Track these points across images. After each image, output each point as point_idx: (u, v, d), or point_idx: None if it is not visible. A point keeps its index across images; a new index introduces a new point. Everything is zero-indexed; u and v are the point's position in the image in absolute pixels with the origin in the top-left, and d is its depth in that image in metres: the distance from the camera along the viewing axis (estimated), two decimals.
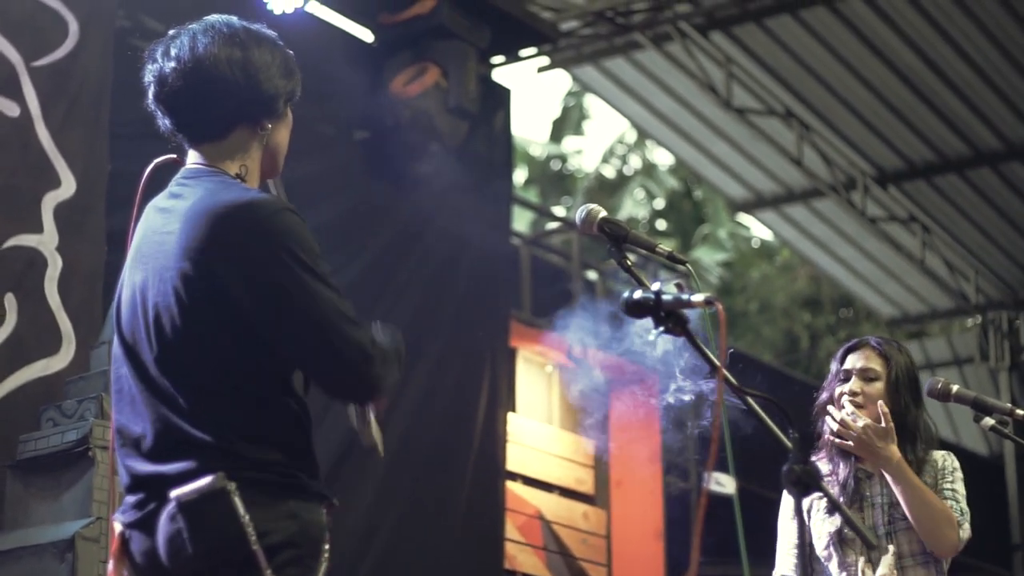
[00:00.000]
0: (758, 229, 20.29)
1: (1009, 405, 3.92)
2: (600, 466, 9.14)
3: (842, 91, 10.42)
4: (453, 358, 7.77)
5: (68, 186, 5.63)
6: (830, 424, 3.86)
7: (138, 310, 2.69)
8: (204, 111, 2.76)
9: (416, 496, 7.45)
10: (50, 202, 5.55)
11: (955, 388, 3.95)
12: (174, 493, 2.55)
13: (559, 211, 18.68)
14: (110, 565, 2.69)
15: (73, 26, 5.76)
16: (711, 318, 2.68)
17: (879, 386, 3.88)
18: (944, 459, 3.90)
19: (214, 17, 2.81)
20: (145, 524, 2.62)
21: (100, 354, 4.90)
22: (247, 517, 2.51)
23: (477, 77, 7.81)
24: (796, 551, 3.87)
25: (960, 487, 3.85)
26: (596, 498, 9.09)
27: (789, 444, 2.57)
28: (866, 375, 3.90)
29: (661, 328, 2.62)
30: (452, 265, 7.88)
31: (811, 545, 3.88)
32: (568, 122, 21.39)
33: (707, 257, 19.84)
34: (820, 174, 11.05)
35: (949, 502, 3.80)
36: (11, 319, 5.34)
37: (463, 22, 7.67)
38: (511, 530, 8.26)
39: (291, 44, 2.90)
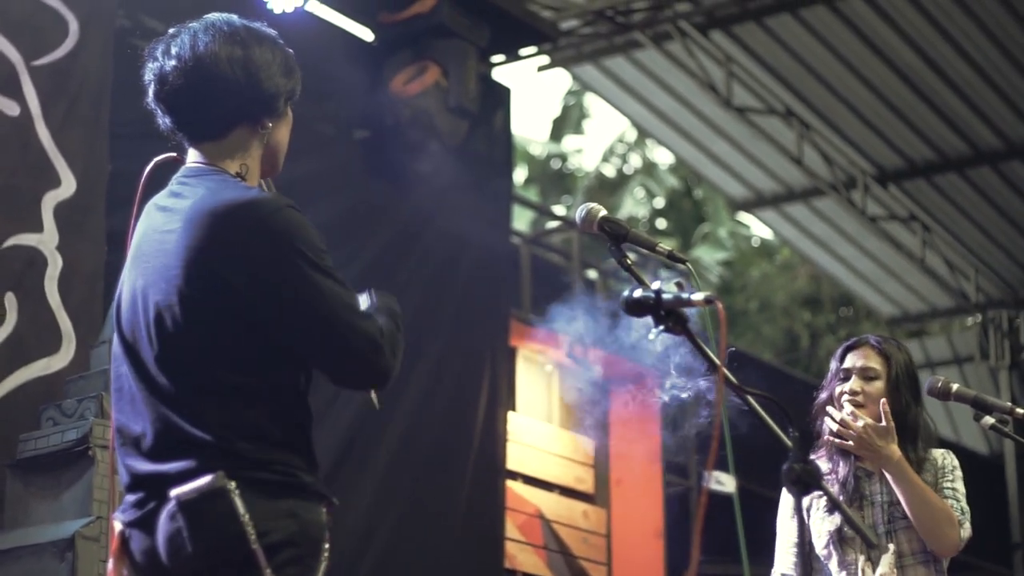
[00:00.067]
0: (758, 228, 20.31)
1: (1009, 404, 3.91)
2: (600, 465, 9.15)
3: (842, 90, 10.42)
4: (453, 357, 7.78)
5: (68, 185, 5.63)
6: (830, 424, 3.86)
7: (138, 309, 2.69)
8: (205, 110, 2.76)
9: (416, 495, 7.46)
10: (50, 201, 5.56)
11: (955, 387, 3.94)
12: (174, 492, 2.55)
13: (559, 210, 18.68)
14: (110, 564, 2.69)
15: (73, 25, 5.77)
16: (711, 317, 2.68)
17: (879, 385, 3.88)
18: (944, 457, 3.90)
19: (214, 16, 2.81)
20: (145, 523, 2.62)
21: (100, 353, 4.90)
22: (247, 516, 2.51)
23: (477, 76, 7.82)
24: (795, 549, 3.87)
25: (960, 486, 3.85)
26: (596, 497, 9.09)
27: (789, 443, 2.57)
28: (866, 374, 3.89)
29: (661, 327, 2.62)
30: (452, 264, 7.88)
31: (810, 544, 3.88)
32: (568, 121, 21.39)
33: (707, 256, 19.84)
34: (820, 173, 11.05)
35: (949, 501, 3.80)
36: (11, 318, 5.35)
37: (463, 21, 7.68)
38: (511, 529, 8.26)
39: (291, 43, 2.90)
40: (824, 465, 3.91)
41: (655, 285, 2.64)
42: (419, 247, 7.73)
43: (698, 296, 2.60)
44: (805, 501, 3.82)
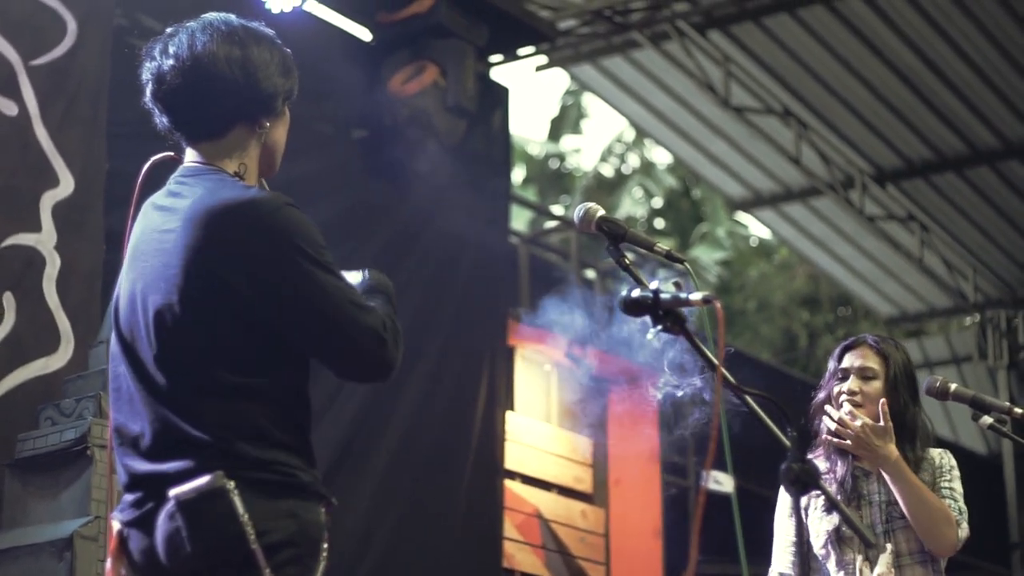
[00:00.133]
0: (756, 228, 20.31)
1: (1007, 403, 3.92)
2: (598, 465, 9.14)
3: (840, 90, 10.42)
4: (452, 357, 7.78)
5: (66, 185, 5.63)
6: (828, 423, 3.86)
7: (137, 309, 2.69)
8: (202, 109, 2.76)
9: (415, 495, 7.46)
10: (48, 201, 5.55)
11: (953, 387, 3.95)
12: (173, 492, 2.55)
13: (557, 210, 18.68)
14: (108, 564, 2.69)
15: (71, 25, 5.76)
16: (709, 316, 2.68)
17: (877, 385, 3.88)
18: (941, 457, 3.90)
19: (212, 15, 2.81)
20: (144, 523, 2.62)
21: (98, 353, 4.90)
22: (246, 516, 2.51)
23: (475, 76, 7.82)
24: (793, 549, 3.87)
25: (958, 485, 3.85)
26: (594, 497, 9.09)
27: (787, 442, 2.57)
28: (864, 374, 3.89)
29: (659, 327, 2.62)
30: (451, 264, 7.88)
31: (808, 543, 3.88)
32: (566, 121, 21.39)
33: (705, 256, 19.84)
34: (818, 173, 11.06)
35: (947, 501, 3.79)
36: (10, 318, 5.34)
37: (461, 21, 7.68)
38: (510, 529, 8.26)
39: (289, 43, 2.90)
40: (822, 464, 3.91)
41: (653, 285, 2.64)
42: (418, 247, 7.73)
43: (696, 296, 2.60)
44: (803, 500, 3.82)
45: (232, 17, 2.82)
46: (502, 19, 8.00)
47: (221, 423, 2.58)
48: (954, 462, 3.91)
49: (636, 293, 2.64)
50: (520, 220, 16.42)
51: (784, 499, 3.92)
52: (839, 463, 3.89)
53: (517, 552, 8.32)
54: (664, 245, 3.01)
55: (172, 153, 2.86)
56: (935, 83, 10.21)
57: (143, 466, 2.63)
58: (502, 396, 8.21)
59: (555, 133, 21.57)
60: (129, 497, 2.66)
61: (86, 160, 5.72)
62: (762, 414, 2.65)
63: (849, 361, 3.93)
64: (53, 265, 5.51)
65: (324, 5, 7.60)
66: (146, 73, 2.79)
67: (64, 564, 4.45)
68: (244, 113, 2.78)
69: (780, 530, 3.93)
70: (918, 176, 11.43)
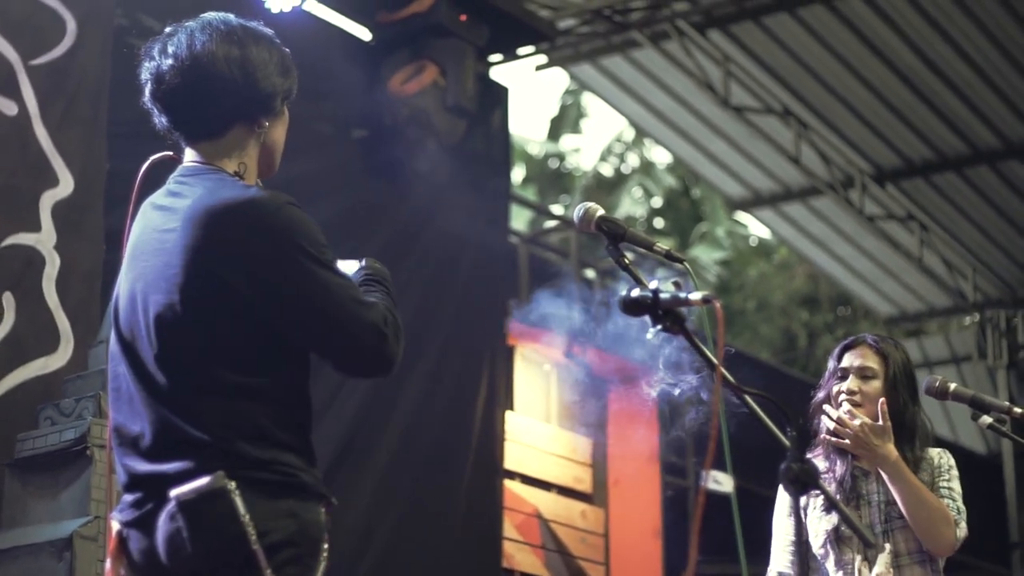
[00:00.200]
0: (756, 227, 20.32)
1: (1007, 403, 3.91)
2: (598, 465, 9.14)
3: (840, 89, 10.42)
4: (452, 357, 7.78)
5: (66, 185, 5.63)
6: (827, 422, 3.86)
7: (137, 308, 2.68)
8: (202, 109, 2.76)
9: (415, 495, 7.46)
10: (48, 201, 5.55)
11: (953, 386, 3.94)
12: (174, 492, 2.55)
13: (557, 209, 18.69)
14: (107, 564, 2.69)
15: (71, 25, 5.76)
16: (709, 316, 2.68)
17: (876, 384, 3.88)
18: (940, 457, 3.90)
19: (211, 15, 2.81)
20: (143, 523, 2.62)
21: (98, 353, 4.90)
22: (247, 517, 2.51)
23: (475, 75, 7.82)
24: (792, 548, 3.87)
25: (956, 485, 3.85)
26: (594, 497, 9.09)
27: (787, 442, 2.57)
28: (863, 373, 3.89)
29: (659, 326, 2.62)
30: (451, 264, 7.89)
31: (807, 543, 3.88)
32: (566, 120, 21.39)
33: (705, 255, 19.84)
34: (818, 172, 11.06)
35: (945, 500, 3.79)
36: (9, 318, 5.34)
37: (461, 20, 7.68)
38: (509, 529, 8.26)
39: (289, 43, 2.90)
40: (821, 464, 3.91)
41: (653, 284, 2.64)
42: (418, 246, 7.73)
43: (696, 295, 2.60)
44: (802, 500, 3.82)
45: (231, 17, 2.82)
46: (502, 19, 8.00)
47: (222, 423, 2.58)
48: (953, 462, 3.91)
49: (636, 293, 2.64)
50: (520, 220, 16.42)
51: (783, 498, 3.92)
52: (838, 462, 3.89)
53: (517, 552, 8.32)
54: (663, 245, 3.01)
55: (171, 153, 2.86)
56: (935, 83, 10.20)
57: (143, 466, 2.63)
58: (502, 396, 8.21)
59: (555, 133, 21.58)
60: (129, 497, 2.66)
61: (86, 160, 5.72)
62: (762, 414, 2.65)
63: (848, 360, 3.93)
64: (53, 265, 5.51)
65: (324, 5, 7.61)
66: (145, 73, 2.79)
67: (64, 564, 4.45)
68: (243, 113, 2.78)
69: (779, 529, 3.93)
70: (918, 176, 11.43)
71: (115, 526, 2.69)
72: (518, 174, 20.89)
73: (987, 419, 3.90)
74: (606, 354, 8.36)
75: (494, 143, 8.52)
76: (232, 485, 2.52)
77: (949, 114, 10.59)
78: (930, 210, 11.86)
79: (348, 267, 2.83)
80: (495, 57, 8.67)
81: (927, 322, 14.97)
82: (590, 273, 10.62)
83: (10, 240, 5.42)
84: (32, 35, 5.64)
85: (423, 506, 7.50)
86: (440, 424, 7.67)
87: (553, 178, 21.67)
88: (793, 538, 3.87)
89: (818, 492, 2.64)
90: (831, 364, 3.97)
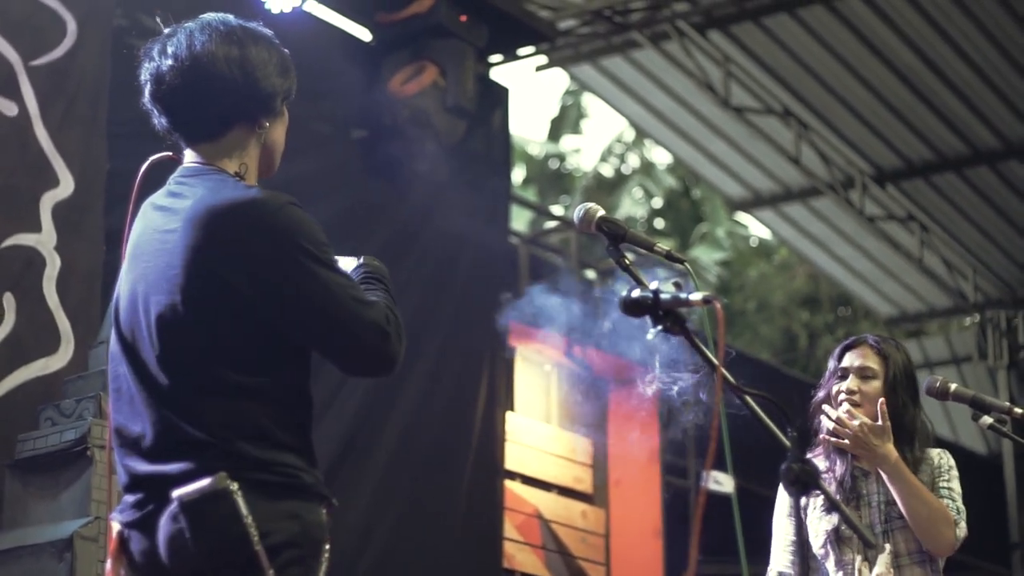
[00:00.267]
0: (756, 228, 20.31)
1: (1007, 403, 3.91)
2: (598, 465, 9.15)
3: (840, 90, 10.42)
4: (452, 357, 7.78)
5: (66, 185, 5.63)
6: (826, 423, 3.86)
7: (138, 309, 2.68)
8: (202, 109, 2.76)
9: (415, 495, 7.46)
10: (48, 201, 5.55)
11: (953, 387, 3.95)
12: (176, 493, 2.55)
13: (557, 210, 18.67)
14: (108, 564, 2.69)
15: (71, 25, 5.77)
16: (709, 317, 2.68)
17: (876, 385, 3.88)
18: (940, 457, 3.90)
19: (210, 15, 2.81)
20: (144, 524, 2.62)
21: (99, 353, 4.90)
22: (250, 518, 2.51)
23: (475, 76, 7.82)
24: (792, 548, 3.87)
25: (956, 485, 3.85)
26: (595, 497, 9.09)
27: (787, 443, 2.57)
28: (863, 373, 3.89)
29: (659, 327, 2.62)
30: (450, 264, 7.88)
31: (807, 543, 3.88)
32: (566, 121, 21.39)
33: (705, 256, 19.84)
34: (818, 173, 11.06)
35: (945, 500, 3.79)
36: (9, 318, 5.34)
37: (461, 21, 7.68)
38: (510, 529, 8.26)
39: (289, 43, 2.90)
40: (821, 464, 3.92)
41: (653, 285, 2.64)
42: (417, 246, 7.73)
43: (696, 296, 2.60)
44: (802, 500, 3.82)
45: (230, 17, 2.82)
46: (502, 19, 8.00)
47: (223, 423, 2.58)
48: (952, 462, 3.91)
49: (636, 293, 2.64)
50: (520, 220, 16.41)
51: (783, 499, 3.92)
52: (838, 462, 3.90)
53: (517, 552, 8.32)
54: (664, 245, 3.01)
55: (171, 153, 2.86)
56: (935, 83, 10.20)
57: (144, 467, 2.63)
58: (502, 396, 8.21)
59: (555, 133, 21.57)
60: (130, 498, 2.66)
61: (86, 160, 5.72)
62: (762, 414, 2.65)
63: (849, 360, 3.93)
64: (53, 265, 5.51)
65: (324, 5, 7.61)
66: (145, 74, 2.78)
67: (64, 565, 4.45)
68: (243, 113, 2.78)
69: (779, 529, 3.93)
70: (918, 176, 11.43)
71: (115, 527, 2.68)
72: (518, 174, 20.89)
73: (987, 419, 3.90)
74: (606, 354, 8.36)
75: (494, 143, 8.52)
76: (234, 486, 2.52)
77: (949, 114, 10.59)
78: (930, 210, 11.86)
79: (346, 264, 2.83)
80: (495, 58, 8.67)
81: (927, 322, 14.96)
82: (590, 273, 10.62)
83: (10, 241, 5.42)
84: (32, 36, 5.64)
85: (423, 506, 7.50)
86: (440, 424, 7.67)
87: (553, 179, 21.67)
88: (793, 538, 3.87)
89: (818, 492, 2.64)
90: (831, 364, 3.97)
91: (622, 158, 21.33)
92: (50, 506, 4.67)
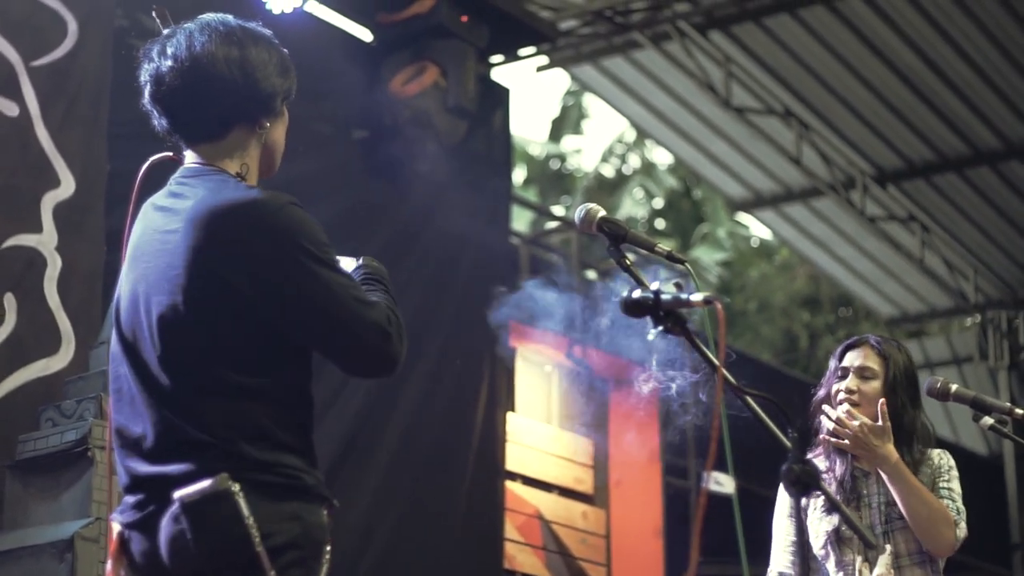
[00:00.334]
0: (757, 228, 20.31)
1: (1008, 404, 3.92)
2: (599, 466, 9.15)
3: (841, 90, 10.42)
4: (453, 358, 7.78)
5: (67, 186, 5.63)
6: (826, 423, 3.86)
7: (139, 309, 2.68)
8: (202, 110, 2.76)
9: (416, 496, 7.46)
10: (49, 202, 5.56)
11: (954, 387, 3.95)
12: (177, 494, 2.54)
13: (558, 210, 18.68)
14: (108, 565, 2.68)
15: (72, 26, 5.77)
16: (710, 317, 2.68)
17: (875, 385, 3.88)
18: (940, 457, 3.90)
19: (209, 16, 2.80)
20: (145, 525, 2.61)
21: (99, 354, 4.90)
22: (251, 519, 2.51)
23: (476, 76, 7.82)
24: (793, 548, 3.87)
25: (956, 485, 3.85)
26: (595, 498, 9.09)
27: (788, 443, 2.57)
28: (863, 373, 3.89)
29: (660, 327, 2.62)
30: (451, 264, 7.88)
31: (807, 543, 3.88)
32: (567, 121, 21.39)
33: (706, 256, 19.84)
34: (819, 173, 11.06)
35: (945, 501, 3.79)
36: (10, 319, 5.34)
37: (462, 21, 7.68)
38: (510, 530, 8.26)
39: (290, 43, 2.90)
40: (821, 463, 3.92)
41: (654, 286, 2.64)
42: (418, 247, 7.73)
43: (697, 296, 2.60)
44: (802, 500, 3.82)
45: (229, 18, 2.82)
46: (503, 20, 8.01)
47: (224, 423, 2.58)
48: (952, 462, 3.91)
49: (637, 294, 2.64)
50: (521, 221, 16.42)
51: (783, 499, 3.92)
52: (838, 462, 3.90)
53: (518, 553, 8.32)
54: (665, 246, 3.01)
55: (171, 154, 2.86)
56: (936, 83, 10.21)
57: (145, 468, 2.63)
58: (503, 397, 8.21)
59: (556, 134, 21.58)
60: (130, 499, 2.66)
61: (87, 161, 5.72)
62: (763, 415, 2.65)
63: (850, 360, 3.93)
64: (54, 266, 5.51)
65: (325, 6, 7.61)
66: (144, 75, 2.78)
67: (65, 565, 4.45)
68: (244, 113, 2.77)
69: (779, 530, 3.93)
70: (919, 177, 11.43)
71: (116, 527, 2.68)
72: (519, 175, 20.89)
73: (988, 420, 3.90)
74: (606, 354, 8.36)
75: (495, 144, 8.52)
76: (236, 487, 2.52)
77: (950, 115, 10.60)
78: (931, 211, 11.86)
79: (346, 265, 2.83)
80: (496, 58, 8.68)
81: (928, 323, 14.97)
82: (591, 274, 10.63)
83: (11, 241, 5.42)
84: (33, 36, 5.64)
85: (424, 506, 7.50)
86: (441, 424, 7.67)
87: (554, 179, 21.67)
88: (794, 538, 3.87)
89: (819, 493, 2.64)
90: (832, 363, 3.97)
91: (623, 158, 21.33)
92: (51, 507, 4.67)
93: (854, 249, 12.70)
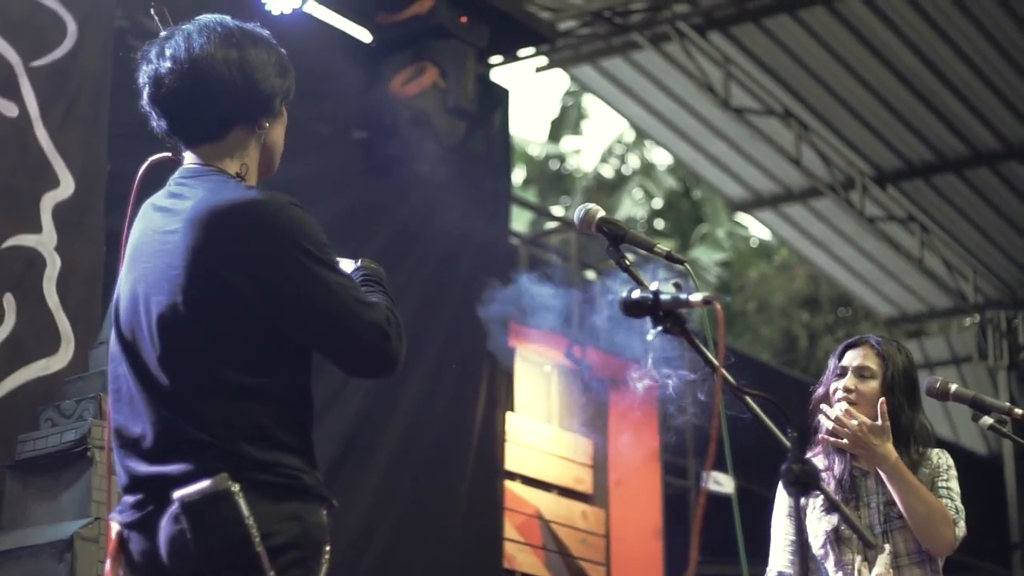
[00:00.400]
0: (756, 229, 20.31)
1: (1007, 404, 3.92)
2: (599, 465, 9.15)
3: (840, 91, 10.42)
4: (452, 357, 7.78)
5: (67, 186, 5.63)
6: (825, 422, 3.86)
7: (139, 309, 2.68)
8: (201, 112, 2.75)
9: (416, 496, 7.46)
10: (49, 202, 5.56)
11: (954, 387, 3.95)
12: (177, 494, 2.54)
13: (557, 211, 18.68)
14: (107, 565, 2.69)
15: (71, 26, 5.77)
16: (709, 317, 2.69)
17: (873, 385, 3.88)
18: (938, 457, 3.90)
19: (207, 17, 2.80)
20: (145, 525, 2.61)
21: (99, 354, 4.90)
22: (251, 519, 2.51)
23: (475, 77, 7.83)
24: (792, 548, 3.88)
25: (954, 485, 3.85)
26: (595, 497, 9.09)
27: (787, 443, 2.57)
28: (861, 373, 3.90)
29: (659, 328, 2.62)
30: (451, 265, 7.89)
31: (807, 543, 3.88)
32: (566, 122, 21.39)
33: (705, 257, 19.84)
34: (819, 174, 11.06)
35: (944, 500, 3.80)
36: (10, 319, 5.35)
37: (462, 22, 7.68)
38: (510, 529, 8.26)
39: (289, 44, 2.90)
40: (820, 463, 3.92)
41: (653, 286, 2.64)
42: (418, 247, 7.73)
43: (696, 297, 2.60)
44: (801, 500, 3.82)
45: (227, 19, 2.81)
46: (502, 20, 8.01)
47: (224, 423, 2.58)
48: (951, 461, 3.91)
49: (636, 294, 2.64)
50: (520, 221, 16.42)
51: (782, 499, 3.92)
52: (837, 461, 3.90)
53: (518, 553, 8.32)
54: (664, 246, 3.01)
55: (170, 154, 2.86)
56: (935, 84, 10.21)
57: (144, 468, 2.63)
58: (502, 397, 8.22)
59: (555, 134, 21.58)
60: (129, 499, 2.66)
61: (86, 161, 5.72)
62: (762, 415, 2.65)
63: (849, 359, 3.93)
64: (53, 266, 5.51)
65: (324, 6, 7.61)
66: (143, 77, 2.77)
67: (64, 565, 4.45)
68: (243, 114, 2.77)
69: (779, 529, 3.94)
70: (918, 177, 11.44)
71: (115, 527, 2.68)
72: (518, 175, 20.89)
73: (988, 420, 3.90)
74: (606, 354, 8.36)
75: (494, 144, 8.52)
76: (236, 487, 2.52)
77: (949, 115, 10.60)
78: (930, 211, 11.86)
79: (344, 266, 2.83)
80: (495, 59, 8.68)
81: (928, 323, 14.97)
82: (591, 274, 10.63)
83: (11, 241, 5.42)
84: (32, 36, 5.64)
85: (424, 506, 7.51)
86: (440, 424, 7.67)
87: (554, 179, 21.67)
88: (793, 538, 3.87)
89: (818, 493, 2.64)
90: (832, 362, 3.97)
91: (622, 159, 21.33)
92: (50, 507, 4.68)
93: (853, 249, 12.70)
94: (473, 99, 7.73)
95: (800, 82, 10.37)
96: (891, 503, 3.80)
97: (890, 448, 3.78)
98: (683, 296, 2.61)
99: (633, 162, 21.40)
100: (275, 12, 6.77)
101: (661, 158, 20.77)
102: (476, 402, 7.94)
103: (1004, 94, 10.31)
